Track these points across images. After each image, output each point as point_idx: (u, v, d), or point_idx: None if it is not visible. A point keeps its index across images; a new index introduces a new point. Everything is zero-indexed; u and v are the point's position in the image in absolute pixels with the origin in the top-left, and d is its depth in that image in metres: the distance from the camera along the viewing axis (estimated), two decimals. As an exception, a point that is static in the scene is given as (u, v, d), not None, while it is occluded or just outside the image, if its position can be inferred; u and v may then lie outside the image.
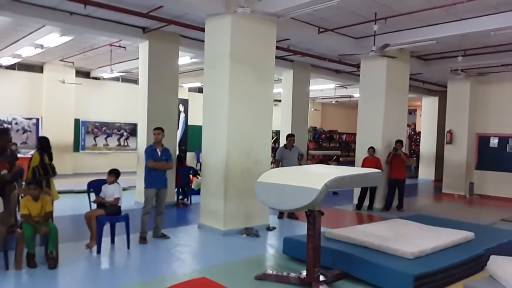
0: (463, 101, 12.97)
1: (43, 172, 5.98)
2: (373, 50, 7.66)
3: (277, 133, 14.55)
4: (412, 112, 19.63)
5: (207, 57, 7.18)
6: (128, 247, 5.77)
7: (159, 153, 6.30)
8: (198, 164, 14.87)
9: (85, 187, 6.18)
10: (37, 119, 14.03)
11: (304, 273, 4.53)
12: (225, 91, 6.71)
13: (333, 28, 8.50)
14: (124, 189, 6.29)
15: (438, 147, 16.06)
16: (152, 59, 8.99)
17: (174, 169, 8.86)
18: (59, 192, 6.61)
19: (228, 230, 6.70)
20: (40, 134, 13.19)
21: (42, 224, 4.91)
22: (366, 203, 9.57)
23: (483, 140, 12.98)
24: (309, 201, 4.04)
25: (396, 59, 9.31)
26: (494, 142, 12.77)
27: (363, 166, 9.05)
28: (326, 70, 12.96)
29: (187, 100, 14.85)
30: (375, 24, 7.60)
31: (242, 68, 6.82)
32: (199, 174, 10.79)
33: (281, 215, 8.24)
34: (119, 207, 5.91)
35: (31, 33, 9.63)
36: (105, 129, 15.75)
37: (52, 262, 4.81)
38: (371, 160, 9.20)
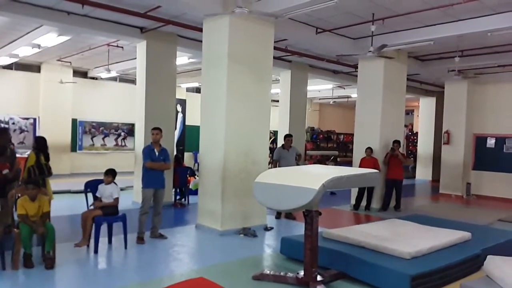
0: (460, 101, 13.01)
1: (39, 172, 5.97)
2: (370, 51, 7.68)
3: (275, 133, 14.57)
4: (409, 112, 19.67)
5: (205, 57, 7.18)
6: (126, 247, 5.76)
7: (157, 153, 6.29)
8: (196, 164, 14.87)
9: (82, 187, 6.17)
10: (34, 119, 14.00)
11: (302, 273, 4.53)
12: (223, 91, 6.71)
13: (331, 28, 8.52)
14: (121, 189, 6.29)
15: (436, 147, 16.10)
16: (150, 59, 8.99)
17: (172, 169, 8.86)
18: (57, 192, 6.61)
19: (225, 230, 6.70)
20: (37, 134, 13.16)
21: (39, 224, 4.90)
22: (364, 203, 9.58)
23: (480, 141, 13.03)
24: (307, 201, 4.05)
25: (393, 60, 9.34)
26: (491, 142, 12.81)
27: (360, 166, 9.07)
28: (324, 71, 12.98)
29: (185, 100, 14.87)
30: (373, 24, 7.62)
31: (240, 68, 6.82)
32: (195, 175, 10.80)
33: (278, 215, 8.24)
34: (117, 207, 5.91)
35: (28, 32, 9.61)
36: (102, 129, 15.72)
37: (49, 262, 4.80)
38: (368, 160, 9.21)
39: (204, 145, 7.19)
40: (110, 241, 5.92)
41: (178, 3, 6.67)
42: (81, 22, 8.00)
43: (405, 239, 5.19)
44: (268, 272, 4.78)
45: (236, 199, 6.82)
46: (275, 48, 7.64)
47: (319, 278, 4.45)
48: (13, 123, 13.54)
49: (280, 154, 8.29)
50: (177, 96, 10.78)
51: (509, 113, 12.39)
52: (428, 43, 8.42)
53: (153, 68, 9.03)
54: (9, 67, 13.30)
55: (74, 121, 14.86)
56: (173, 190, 9.39)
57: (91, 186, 6.02)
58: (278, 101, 12.98)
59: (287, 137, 8.50)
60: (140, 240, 6.07)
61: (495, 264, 4.24)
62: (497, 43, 9.10)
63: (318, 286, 4.32)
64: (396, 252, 4.66)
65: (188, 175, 9.95)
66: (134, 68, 10.68)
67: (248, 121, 6.99)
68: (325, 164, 14.50)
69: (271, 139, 14.69)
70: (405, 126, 15.25)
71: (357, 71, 10.31)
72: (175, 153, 10.14)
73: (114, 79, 15.57)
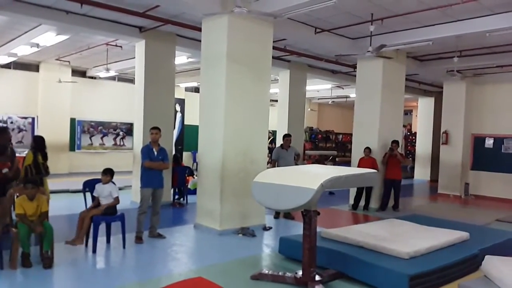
0: (458, 102, 13.03)
1: (35, 171, 5.95)
2: (369, 51, 7.68)
3: (273, 133, 14.57)
4: (408, 112, 19.69)
5: (204, 57, 7.18)
6: (124, 247, 5.76)
7: (156, 153, 6.28)
8: (195, 164, 14.87)
9: (80, 187, 6.17)
10: (33, 118, 13.98)
11: (300, 272, 4.54)
12: (222, 91, 6.71)
13: (330, 28, 8.52)
14: (120, 189, 6.28)
15: (434, 147, 16.12)
16: (149, 58, 8.98)
17: (171, 169, 8.85)
18: (55, 192, 6.60)
19: (224, 230, 6.70)
20: (35, 133, 13.14)
21: (37, 223, 4.89)
22: (362, 203, 9.60)
23: (478, 141, 13.05)
24: (305, 201, 4.05)
25: (392, 60, 9.35)
26: (489, 142, 12.83)
27: (359, 166, 9.07)
28: (323, 71, 12.99)
29: (184, 99, 14.87)
30: (372, 24, 7.63)
31: (239, 68, 6.82)
32: (194, 174, 10.79)
33: (277, 215, 8.25)
34: (115, 206, 5.90)
35: (27, 31, 9.59)
36: (101, 128, 15.70)
37: (47, 262, 4.79)
38: (367, 160, 9.22)
39: (202, 145, 7.19)
40: (108, 241, 5.91)
41: (177, 2, 6.67)
42: (79, 21, 7.98)
43: (404, 239, 5.19)
44: (266, 271, 4.78)
45: (235, 198, 6.82)
46: (274, 48, 7.64)
47: (317, 278, 4.46)
48: (12, 122, 13.51)
49: (279, 154, 8.29)
50: (176, 96, 10.79)
51: (508, 113, 12.42)
52: (426, 43, 8.42)
53: (152, 67, 9.02)
54: (7, 66, 13.27)
55: (72, 120, 14.84)
56: (172, 189, 9.38)
57: (90, 186, 6.01)
58: (277, 100, 12.98)
59: (286, 137, 8.50)
60: (139, 239, 6.07)
61: (493, 264, 4.24)
62: (496, 44, 9.13)
63: (317, 286, 4.33)
64: (394, 252, 4.67)
65: (186, 175, 9.94)
66: (133, 68, 10.69)
67: (247, 121, 6.99)
68: (324, 164, 14.50)
69: (270, 139, 14.70)
70: (404, 126, 15.26)
71: (355, 71, 10.32)
72: (173, 152, 10.13)
73: (112, 78, 15.55)
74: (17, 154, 6.53)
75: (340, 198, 10.51)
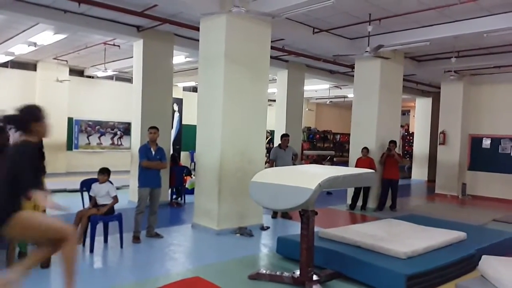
0: (456, 102, 13.07)
1: None
2: (367, 51, 7.70)
3: (271, 133, 14.57)
4: (405, 113, 19.73)
5: (202, 57, 7.18)
6: (121, 247, 5.75)
7: (153, 152, 6.28)
8: (192, 164, 14.85)
9: (78, 186, 6.15)
10: (30, 118, 13.91)
11: (298, 272, 4.54)
12: (220, 90, 6.70)
13: (328, 28, 8.53)
14: (117, 188, 6.27)
15: (431, 147, 16.16)
16: (147, 58, 8.97)
17: (168, 169, 8.84)
18: (52, 191, 6.55)
19: (221, 229, 6.70)
20: (33, 133, 13.08)
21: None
22: (360, 203, 9.61)
23: (475, 141, 13.08)
24: (303, 200, 4.05)
25: (390, 60, 9.37)
26: (486, 143, 12.87)
27: (356, 166, 9.09)
28: (321, 71, 13.00)
29: (182, 99, 14.82)
30: (370, 25, 7.64)
31: (237, 67, 6.82)
32: (191, 174, 10.79)
33: (275, 214, 8.25)
34: (113, 206, 5.89)
35: (24, 30, 9.56)
36: (98, 128, 15.67)
37: (45, 261, 4.77)
38: (364, 160, 9.24)
39: (200, 145, 7.19)
40: (106, 240, 5.90)
41: (175, 2, 6.67)
42: (77, 21, 7.96)
43: (401, 239, 5.20)
44: (264, 271, 4.78)
45: (233, 198, 6.81)
46: (272, 47, 7.65)
47: (315, 277, 4.46)
48: (9, 122, 13.45)
49: (277, 154, 8.29)
50: (174, 95, 10.76)
51: (505, 114, 12.45)
52: (424, 44, 8.44)
53: (150, 67, 9.01)
54: (4, 65, 13.23)
55: (70, 119, 14.80)
56: (170, 189, 9.37)
57: (87, 185, 6.00)
58: (275, 100, 12.99)
59: (284, 136, 8.50)
60: (136, 239, 6.06)
61: (489, 264, 4.27)
62: (493, 44, 9.16)
63: (314, 286, 4.33)
64: (392, 252, 4.67)
65: (184, 174, 9.93)
66: (131, 67, 10.65)
67: (245, 121, 6.99)
68: (322, 164, 14.52)
69: (268, 139, 14.70)
70: (401, 126, 15.28)
71: (353, 71, 10.33)
72: (171, 152, 10.11)
73: (110, 77, 15.52)
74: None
75: (337, 198, 10.52)
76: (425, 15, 7.43)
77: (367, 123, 9.70)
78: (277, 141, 10.16)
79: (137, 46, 9.16)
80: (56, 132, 13.88)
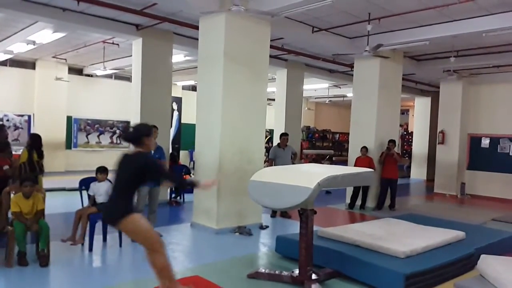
0: (455, 101, 13.08)
1: (30, 169, 5.93)
2: (366, 50, 7.70)
3: (270, 132, 14.57)
4: (404, 112, 19.74)
5: (201, 55, 7.17)
6: (120, 245, 5.75)
7: (152, 151, 6.27)
8: (191, 163, 14.84)
9: (77, 185, 6.15)
10: (29, 116, 13.91)
11: (297, 271, 4.54)
12: (219, 89, 6.70)
13: (327, 27, 8.53)
14: (116, 187, 6.26)
15: (430, 147, 16.16)
16: (146, 56, 8.96)
17: (167, 168, 8.83)
18: (51, 190, 6.57)
19: (221, 228, 6.70)
20: (32, 131, 13.08)
21: (33, 221, 4.87)
22: (359, 202, 9.61)
23: (474, 141, 13.10)
24: (302, 200, 4.06)
25: (389, 59, 9.36)
26: (485, 142, 12.88)
27: (355, 165, 9.09)
28: (320, 70, 12.99)
29: (181, 98, 14.83)
30: (369, 24, 7.64)
31: (236, 66, 6.81)
32: (191, 173, 10.78)
33: (274, 213, 8.25)
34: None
35: (23, 29, 9.55)
36: (97, 126, 15.66)
37: (44, 260, 4.78)
38: (363, 159, 9.24)
39: (199, 144, 7.18)
40: (104, 239, 5.90)
41: (174, 0, 6.65)
42: (76, 19, 7.95)
43: (400, 238, 5.21)
44: (263, 270, 4.79)
45: (232, 197, 6.81)
46: (271, 46, 7.64)
47: (314, 276, 4.46)
48: (8, 120, 13.45)
49: (276, 153, 8.29)
50: (173, 94, 10.76)
51: (504, 113, 12.47)
52: (423, 43, 8.45)
53: (149, 65, 9.00)
54: (3, 63, 13.18)
55: (69, 118, 14.77)
56: (168, 188, 9.36)
57: (86, 184, 6.00)
58: (274, 99, 12.97)
59: (283, 135, 8.50)
60: (135, 238, 6.06)
61: (488, 263, 4.27)
62: (492, 44, 9.16)
63: (313, 285, 4.33)
64: (390, 251, 4.68)
65: (183, 174, 9.93)
66: (130, 66, 10.66)
67: (244, 120, 6.98)
68: (321, 163, 14.53)
69: (267, 138, 14.70)
70: (400, 125, 15.30)
71: (353, 71, 10.33)
72: (170, 151, 10.11)
73: (109, 76, 15.50)
74: (13, 152, 6.51)
75: (336, 197, 10.52)
76: (424, 14, 7.43)
77: (366, 122, 9.70)
78: (276, 140, 10.17)
79: (136, 44, 9.14)
80: (55, 130, 13.94)
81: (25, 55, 12.71)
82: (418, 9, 7.18)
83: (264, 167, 7.42)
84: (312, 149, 19.76)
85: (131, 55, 9.67)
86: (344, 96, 17.93)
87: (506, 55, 9.96)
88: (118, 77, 15.80)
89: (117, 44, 10.52)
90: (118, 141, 16.13)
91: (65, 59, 13.36)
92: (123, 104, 14.67)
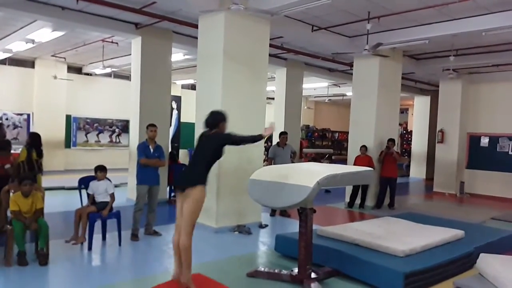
0: (454, 100, 13.08)
1: (28, 168, 5.92)
2: (366, 49, 7.69)
3: (270, 131, 14.52)
4: (404, 111, 19.74)
5: (200, 54, 7.16)
6: (120, 244, 5.75)
7: (152, 150, 6.27)
8: (191, 162, 14.81)
9: (76, 184, 6.14)
10: (28, 115, 13.89)
11: (296, 270, 4.54)
12: (218, 88, 6.69)
13: (327, 26, 8.52)
14: (116, 186, 6.27)
15: (430, 146, 16.17)
16: (145, 55, 8.94)
17: (167, 166, 8.83)
18: (51, 189, 6.56)
19: (220, 227, 6.70)
20: (31, 130, 13.06)
21: (32, 220, 4.87)
22: (358, 201, 9.62)
23: (474, 140, 13.10)
24: (301, 198, 4.06)
25: (388, 58, 9.35)
26: (484, 141, 12.89)
27: (355, 164, 9.09)
28: (319, 69, 12.99)
29: (180, 97, 14.80)
30: (368, 23, 7.63)
31: (236, 65, 6.80)
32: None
33: (273, 212, 8.25)
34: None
35: (22, 27, 9.52)
36: (96, 125, 15.64)
37: (43, 259, 4.77)
38: (363, 158, 9.24)
39: (199, 142, 7.16)
40: (104, 238, 5.90)
41: (174, -1, 6.64)
42: (75, 18, 7.93)
43: (399, 237, 5.21)
44: (262, 269, 4.79)
45: (231, 196, 6.81)
46: (270, 45, 7.63)
47: (313, 275, 4.46)
48: (7, 119, 13.43)
49: (275, 152, 8.29)
50: (172, 93, 10.74)
51: (503, 113, 12.46)
52: (423, 42, 8.45)
53: (148, 64, 8.98)
54: (2, 62, 13.17)
55: (68, 117, 14.75)
56: (168, 187, 9.35)
57: (85, 183, 5.99)
58: (273, 98, 12.96)
59: (282, 134, 8.50)
60: (134, 237, 6.06)
61: (487, 262, 4.28)
62: (491, 43, 9.15)
63: (312, 284, 4.33)
64: (390, 250, 4.68)
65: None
66: (129, 64, 10.64)
67: (243, 119, 6.96)
68: (320, 162, 14.54)
69: (266, 137, 14.68)
70: (400, 124, 15.31)
71: (352, 69, 10.32)
72: (170, 150, 10.10)
73: (108, 75, 15.49)
74: (12, 151, 6.50)
75: (336, 196, 10.52)
76: (424, 13, 7.43)
77: (365, 121, 9.70)
78: (275, 139, 10.15)
79: (136, 43, 9.12)
80: (54, 129, 13.92)
81: (24, 54, 12.69)
82: (417, 8, 7.18)
83: (264, 166, 7.41)
84: (311, 148, 19.75)
85: (130, 54, 9.65)
86: (343, 95, 17.93)
87: (506, 54, 9.96)
88: (117, 76, 15.79)
89: (116, 43, 10.51)
90: (118, 140, 16.12)
91: (64, 58, 13.34)
92: (122, 103, 14.65)
